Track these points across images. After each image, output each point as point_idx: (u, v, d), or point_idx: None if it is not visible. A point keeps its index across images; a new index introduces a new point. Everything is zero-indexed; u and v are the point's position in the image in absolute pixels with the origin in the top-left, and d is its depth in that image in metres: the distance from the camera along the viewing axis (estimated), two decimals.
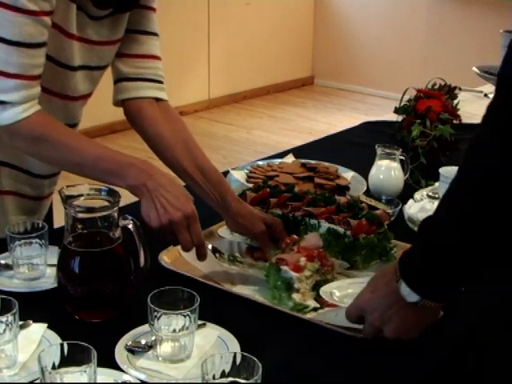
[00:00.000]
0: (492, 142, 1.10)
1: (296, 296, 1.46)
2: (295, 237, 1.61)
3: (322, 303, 1.46)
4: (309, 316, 1.43)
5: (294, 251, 1.53)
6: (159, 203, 1.50)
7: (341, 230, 1.64)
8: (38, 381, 1.14)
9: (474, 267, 1.17)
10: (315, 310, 1.46)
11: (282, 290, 1.48)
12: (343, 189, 2.10)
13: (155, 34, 1.78)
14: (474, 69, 3.24)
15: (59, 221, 1.47)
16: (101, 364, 1.15)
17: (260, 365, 1.10)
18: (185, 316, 1.27)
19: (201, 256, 1.57)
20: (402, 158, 2.11)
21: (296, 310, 1.45)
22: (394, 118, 2.57)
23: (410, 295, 1.22)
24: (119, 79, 1.77)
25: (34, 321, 1.35)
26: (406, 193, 2.02)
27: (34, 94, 1.52)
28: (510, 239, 1.11)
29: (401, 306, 1.24)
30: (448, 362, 1.30)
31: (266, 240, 1.66)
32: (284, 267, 1.50)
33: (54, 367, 1.12)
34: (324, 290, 1.42)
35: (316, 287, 1.50)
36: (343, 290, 1.37)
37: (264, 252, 1.65)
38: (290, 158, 2.33)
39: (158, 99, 1.78)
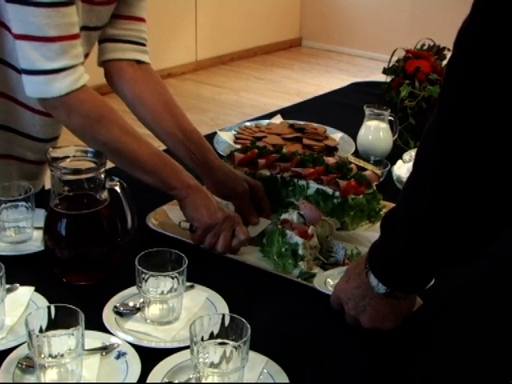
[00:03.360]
0: (443, 132, 1.08)
1: (302, 264, 1.45)
2: None
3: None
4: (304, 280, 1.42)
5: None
6: (212, 202, 1.51)
7: (329, 190, 1.63)
8: (25, 344, 1.13)
9: (437, 260, 1.15)
10: None
11: (288, 257, 1.45)
12: (332, 149, 2.09)
13: None
14: None
15: (49, 183, 1.46)
16: (88, 327, 1.15)
17: (248, 326, 1.09)
18: (173, 278, 1.27)
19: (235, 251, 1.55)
20: (390, 118, 2.10)
21: (303, 278, 1.43)
22: (383, 78, 2.56)
23: (379, 286, 1.21)
24: (103, 40, 1.75)
25: (21, 284, 1.34)
26: (395, 153, 2.01)
27: (80, 54, 1.51)
28: (469, 230, 1.09)
29: (372, 296, 1.23)
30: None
31: (248, 201, 1.63)
32: (290, 232, 1.48)
33: (41, 330, 1.11)
34: (317, 280, 1.41)
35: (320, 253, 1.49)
36: (336, 279, 1.37)
37: (247, 216, 1.62)
38: (277, 119, 2.32)
39: (139, 61, 1.76)
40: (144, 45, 1.77)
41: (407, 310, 1.27)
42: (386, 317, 1.25)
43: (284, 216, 1.54)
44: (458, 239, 1.10)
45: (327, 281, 1.40)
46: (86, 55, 1.72)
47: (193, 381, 1.10)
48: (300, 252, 1.44)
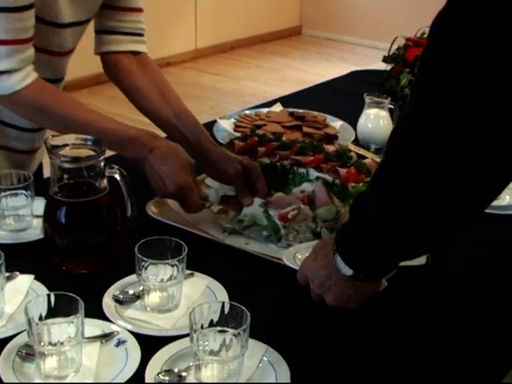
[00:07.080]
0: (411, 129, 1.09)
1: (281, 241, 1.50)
2: None
3: None
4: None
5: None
6: (158, 177, 1.52)
7: (329, 178, 1.63)
8: (25, 332, 1.13)
9: (409, 245, 1.17)
10: None
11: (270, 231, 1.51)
12: (332, 138, 2.09)
13: None
14: None
15: (48, 171, 1.46)
16: (88, 315, 1.15)
17: (248, 314, 1.09)
18: (172, 266, 1.27)
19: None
20: (390, 106, 2.09)
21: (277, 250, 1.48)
22: (383, 67, 2.55)
23: (345, 269, 1.22)
24: (99, 31, 1.76)
25: (21, 272, 1.34)
26: None
27: (28, 58, 1.50)
28: (438, 219, 1.10)
29: (338, 277, 1.24)
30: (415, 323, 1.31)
31: (242, 182, 1.62)
32: (272, 213, 1.51)
33: (41, 318, 1.11)
34: (287, 254, 1.42)
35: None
36: (305, 253, 1.37)
37: (240, 198, 1.62)
38: (277, 107, 2.31)
39: (135, 52, 1.76)
40: (141, 35, 1.78)
41: (372, 292, 1.28)
42: (350, 297, 1.26)
43: (304, 185, 1.59)
44: (431, 224, 1.11)
45: (296, 255, 1.41)
46: (75, 47, 1.72)
47: (192, 369, 1.10)
48: (282, 232, 1.49)
